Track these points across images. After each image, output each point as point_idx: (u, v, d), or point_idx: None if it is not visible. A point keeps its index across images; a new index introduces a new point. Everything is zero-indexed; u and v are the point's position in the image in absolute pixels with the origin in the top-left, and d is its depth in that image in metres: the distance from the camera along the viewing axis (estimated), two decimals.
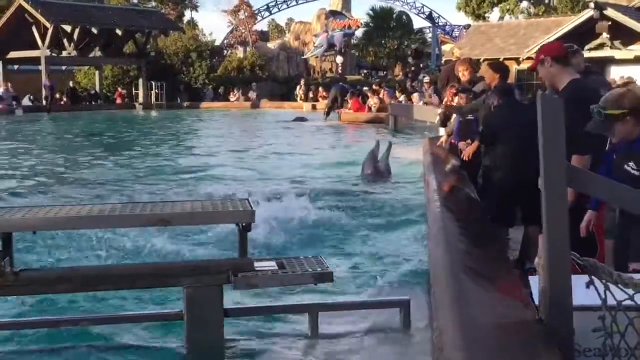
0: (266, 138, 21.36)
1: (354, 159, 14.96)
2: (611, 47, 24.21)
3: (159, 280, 4.53)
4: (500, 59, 31.15)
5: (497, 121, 6.27)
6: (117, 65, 43.87)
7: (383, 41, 48.50)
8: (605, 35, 24.09)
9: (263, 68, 46.11)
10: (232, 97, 42.09)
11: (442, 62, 34.78)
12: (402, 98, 25.82)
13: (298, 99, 39.55)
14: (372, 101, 26.93)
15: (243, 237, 4.60)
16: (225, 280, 4.39)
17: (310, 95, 38.52)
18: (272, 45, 52.88)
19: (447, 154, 10.15)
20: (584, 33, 23.51)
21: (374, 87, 29.56)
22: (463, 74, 8.52)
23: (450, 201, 6.38)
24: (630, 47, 24.30)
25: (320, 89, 38.95)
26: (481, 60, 27.98)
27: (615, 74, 23.06)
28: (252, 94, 41.06)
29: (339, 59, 47.44)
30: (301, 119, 28.38)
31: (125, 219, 4.40)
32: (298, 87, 40.50)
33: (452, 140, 9.30)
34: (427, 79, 28.69)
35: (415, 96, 24.64)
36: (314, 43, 49.65)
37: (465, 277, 3.73)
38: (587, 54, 23.60)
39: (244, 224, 4.53)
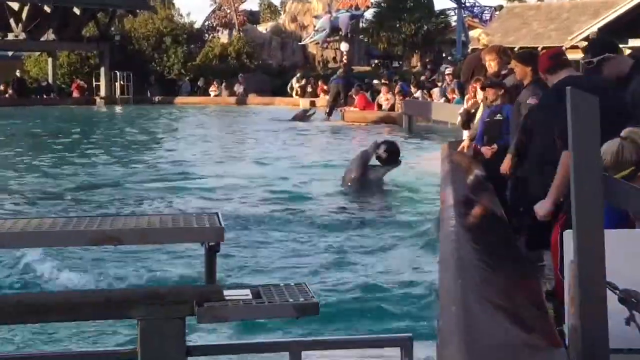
0: (253, 141, 21.39)
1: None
2: None
3: (107, 311, 4.47)
4: (539, 48, 31.27)
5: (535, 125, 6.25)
6: (75, 52, 43.97)
7: (398, 25, 48.58)
8: None
9: (252, 56, 46.19)
10: (212, 91, 42.16)
11: (469, 50, 34.88)
12: (418, 94, 25.84)
13: (294, 93, 39.60)
14: (383, 97, 26.95)
15: (210, 260, 4.56)
16: (188, 312, 4.33)
17: (309, 89, 38.53)
18: (263, 28, 53.08)
19: (469, 161, 10.15)
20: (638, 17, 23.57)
21: (383, 81, 29.64)
22: (490, 64, 8.53)
23: (469, 219, 6.35)
24: None
25: (321, 82, 39.02)
26: (516, 49, 28.20)
27: None
28: (238, 88, 41.12)
29: (344, 46, 47.55)
30: (302, 117, 28.39)
31: (67, 237, 4.35)
32: (294, 79, 40.55)
33: (476, 145, 9.29)
34: (449, 70, 28.69)
35: (435, 92, 24.67)
36: (314, 26, 49.83)
37: (481, 313, 3.70)
38: None
39: (211, 244, 4.49)
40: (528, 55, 7.78)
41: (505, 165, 7.36)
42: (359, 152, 13.30)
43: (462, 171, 9.28)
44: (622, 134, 3.53)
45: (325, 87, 36.46)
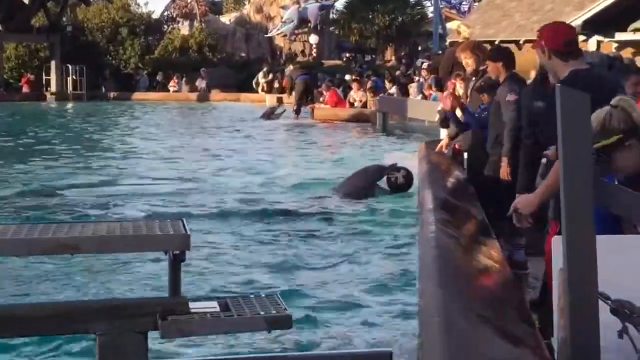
0: (217, 141, 21.33)
1: (325, 169, 14.98)
2: None
3: (63, 325, 4.45)
4: (521, 41, 31.45)
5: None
6: (23, 44, 43.58)
7: (370, 16, 48.76)
8: None
9: (214, 49, 46.13)
10: (172, 87, 42.02)
11: (447, 43, 35.06)
12: (393, 90, 25.95)
13: (260, 89, 39.59)
14: (355, 94, 27.05)
15: (175, 270, 4.55)
16: (151, 326, 4.32)
17: (276, 85, 38.53)
18: (226, 19, 53.01)
19: (448, 162, 10.21)
20: (629, 8, 23.72)
21: (353, 77, 29.75)
22: (466, 62, 8.58)
23: (451, 224, 6.37)
24: None
25: (287, 78, 39.03)
26: (495, 43, 28.35)
27: None
28: (200, 83, 41.07)
29: (314, 39, 47.63)
30: (270, 115, 28.41)
31: (19, 245, 4.31)
32: (260, 74, 40.53)
33: (457, 146, 9.35)
34: (426, 64, 28.83)
35: (412, 87, 24.79)
36: (282, 17, 49.82)
37: (464, 325, 3.72)
38: (631, 37, 23.88)
39: (175, 253, 4.48)
40: (495, 52, 7.95)
41: (504, 171, 7.45)
42: (373, 165, 13.28)
43: (441, 172, 9.32)
44: (613, 102, 3.60)
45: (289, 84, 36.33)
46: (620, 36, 24.24)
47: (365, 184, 12.61)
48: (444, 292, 4.33)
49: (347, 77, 32.44)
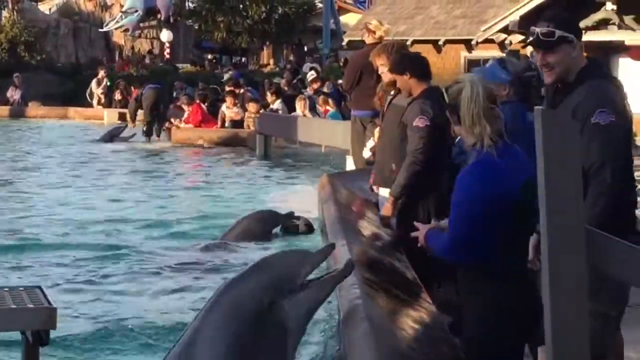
0: (45, 174, 21.02)
1: (186, 209, 15.06)
2: (620, 27, 25.38)
3: None
4: (440, 42, 32.04)
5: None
6: None
7: (242, 6, 49.08)
8: (610, 6, 25.26)
9: (32, 48, 45.64)
10: None
11: (344, 42, 35.57)
12: (277, 105, 26.13)
13: (95, 102, 39.24)
14: (229, 110, 27.12)
15: (32, 356, 4.63)
16: None
17: (118, 96, 38.23)
18: (46, 8, 52.50)
19: (361, 203, 10.42)
20: (576, 1, 24.49)
21: (227, 88, 29.82)
22: (382, 71, 8.78)
23: (377, 286, 6.55)
24: None
25: (133, 87, 38.85)
26: (408, 43, 28.82)
27: (627, 67, 24.20)
28: (13, 93, 40.44)
29: (166, 35, 47.60)
30: (113, 137, 28.33)
31: None
32: (94, 82, 40.19)
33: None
34: (312, 73, 29.18)
35: (301, 102, 24.97)
36: (121, 6, 49.66)
37: None
38: (583, 37, 24.70)
39: (35, 332, 4.54)
40: (398, 61, 8.20)
41: (388, 212, 7.86)
42: (268, 210, 13.65)
43: (355, 217, 9.52)
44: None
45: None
46: None
47: (261, 230, 12.82)
48: None
49: (213, 86, 32.46)
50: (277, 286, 5.25)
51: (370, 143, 9.94)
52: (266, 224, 13.12)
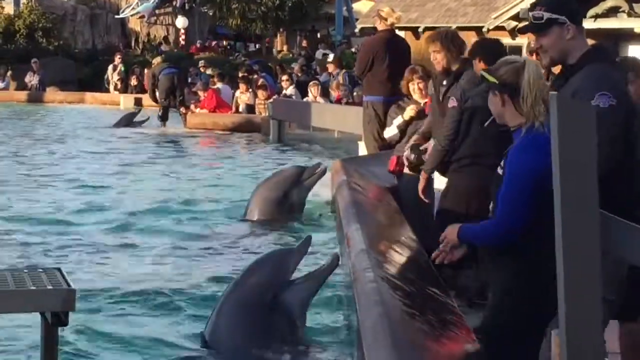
0: (57, 156, 21.03)
1: (203, 193, 15.04)
2: (629, 14, 25.30)
3: None
4: (452, 29, 31.82)
5: None
6: None
7: None
8: None
9: (49, 34, 45.65)
10: None
11: (356, 30, 35.50)
12: (291, 90, 26.08)
13: (111, 87, 39.28)
14: (244, 96, 27.07)
15: (51, 337, 4.63)
16: None
17: (133, 82, 38.27)
18: None
19: (377, 189, 10.42)
20: None
21: (241, 74, 29.74)
22: (435, 57, 8.65)
23: (392, 271, 6.55)
24: None
25: (147, 71, 38.77)
26: (420, 30, 28.85)
27: (637, 55, 24.11)
28: (32, 78, 40.45)
29: (181, 22, 47.58)
30: (129, 122, 28.34)
31: None
32: (110, 67, 40.22)
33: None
34: (331, 57, 29.12)
35: (314, 88, 24.90)
36: None
37: None
38: (590, 25, 24.66)
39: (54, 313, 4.55)
40: (480, 47, 8.23)
41: (422, 188, 7.88)
42: (282, 170, 13.65)
43: (370, 203, 9.53)
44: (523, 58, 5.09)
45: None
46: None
47: (283, 191, 12.78)
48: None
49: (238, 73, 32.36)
50: (274, 282, 7.06)
51: (398, 119, 9.89)
52: (290, 178, 12.99)
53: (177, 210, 13.84)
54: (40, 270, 4.94)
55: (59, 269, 4.91)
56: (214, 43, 49.31)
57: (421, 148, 9.04)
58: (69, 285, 4.61)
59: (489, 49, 7.99)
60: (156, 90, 28.51)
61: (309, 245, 7.49)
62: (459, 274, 7.62)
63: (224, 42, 51.80)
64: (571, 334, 3.47)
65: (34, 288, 4.58)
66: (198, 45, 47.03)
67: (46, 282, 4.65)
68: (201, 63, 36.36)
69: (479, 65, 7.74)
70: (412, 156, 9.09)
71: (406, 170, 9.24)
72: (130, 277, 9.65)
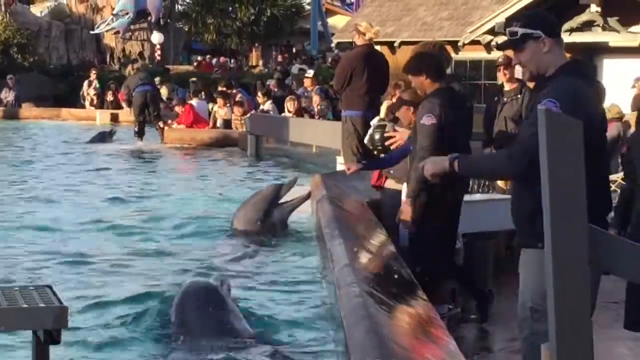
0: (35, 173, 21.00)
1: (187, 209, 15.06)
2: (604, 28, 25.43)
3: None
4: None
5: None
6: None
7: (231, 8, 49.06)
8: (594, 7, 25.31)
9: (24, 50, 45.54)
10: None
11: (333, 44, 35.56)
12: (268, 105, 26.12)
13: (87, 103, 39.24)
14: (220, 110, 27.12)
15: (42, 356, 4.62)
16: None
17: (109, 97, 38.23)
18: (38, 10, 52.40)
19: (357, 203, 10.44)
20: (561, 4, 24.55)
21: (219, 88, 29.79)
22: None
23: (376, 285, 6.57)
24: (633, 29, 25.56)
25: (124, 88, 38.73)
26: (395, 45, 28.94)
27: (612, 68, 24.25)
28: (8, 94, 40.34)
29: (157, 37, 47.53)
30: (104, 138, 28.32)
31: None
32: (86, 83, 40.15)
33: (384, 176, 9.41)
34: (310, 72, 29.12)
35: (290, 102, 24.95)
36: (113, 9, 49.56)
37: None
38: (565, 39, 24.78)
39: (46, 331, 4.55)
40: (417, 62, 8.02)
41: (406, 214, 7.81)
42: (261, 190, 13.64)
43: (352, 217, 9.55)
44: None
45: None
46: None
47: (265, 210, 12.90)
48: None
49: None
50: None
51: (375, 119, 9.88)
52: (272, 196, 13.13)
53: (163, 227, 13.87)
54: (32, 287, 4.92)
55: (49, 286, 4.90)
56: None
57: (387, 130, 9.06)
58: (60, 302, 4.60)
59: (433, 63, 7.90)
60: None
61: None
62: (440, 284, 7.69)
63: (200, 58, 51.62)
64: (561, 348, 3.50)
65: (26, 306, 4.57)
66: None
67: (38, 300, 4.63)
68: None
69: (422, 80, 7.72)
70: (377, 136, 9.09)
71: (387, 184, 9.22)
72: (115, 293, 9.65)
